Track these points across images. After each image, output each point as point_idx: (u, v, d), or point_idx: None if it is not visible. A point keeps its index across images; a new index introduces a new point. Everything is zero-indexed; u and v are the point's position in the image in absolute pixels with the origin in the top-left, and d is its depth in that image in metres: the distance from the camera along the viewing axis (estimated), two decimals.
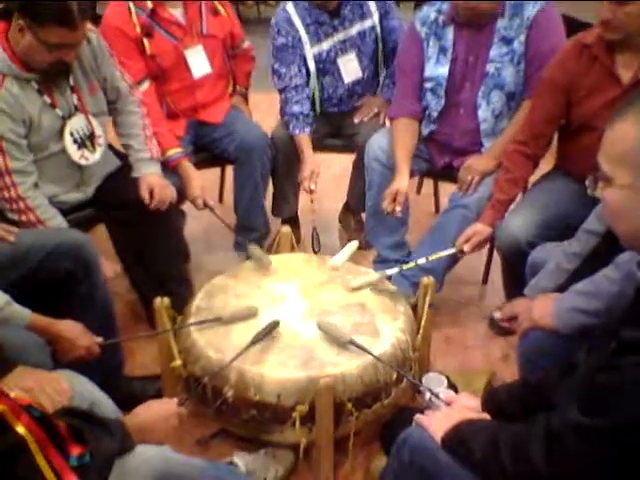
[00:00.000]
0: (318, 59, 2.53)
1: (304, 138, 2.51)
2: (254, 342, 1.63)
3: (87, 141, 1.98)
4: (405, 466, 1.23)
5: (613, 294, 1.42)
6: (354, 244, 2.10)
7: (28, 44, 1.73)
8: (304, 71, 2.53)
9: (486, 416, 1.25)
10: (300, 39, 2.49)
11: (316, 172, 2.43)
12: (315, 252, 2.02)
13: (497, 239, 2.10)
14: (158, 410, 1.31)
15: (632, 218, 1.00)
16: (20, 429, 0.92)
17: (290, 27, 2.48)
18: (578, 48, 1.93)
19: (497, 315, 1.81)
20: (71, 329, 1.50)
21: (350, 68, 2.56)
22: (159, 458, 1.15)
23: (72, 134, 1.94)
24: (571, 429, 1.00)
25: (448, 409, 1.28)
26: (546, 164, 2.20)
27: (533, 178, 2.21)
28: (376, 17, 2.50)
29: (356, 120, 2.63)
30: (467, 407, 1.33)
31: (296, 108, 2.51)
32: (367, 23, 2.50)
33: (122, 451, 1.11)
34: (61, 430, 0.98)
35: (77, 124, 1.95)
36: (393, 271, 2.05)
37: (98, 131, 2.02)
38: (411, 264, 2.12)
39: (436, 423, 1.22)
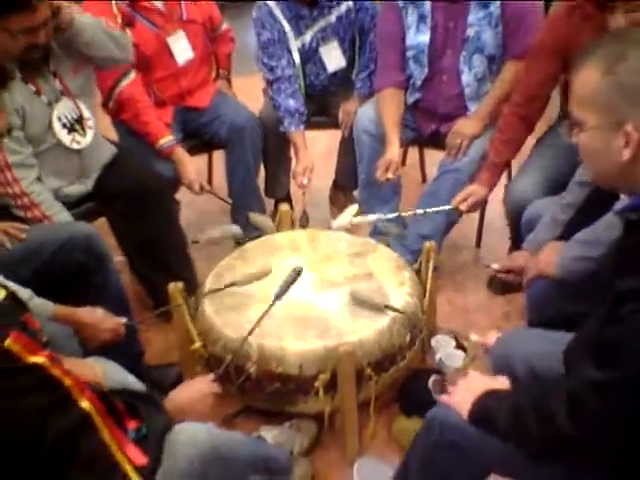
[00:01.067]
0: (302, 50, 2.53)
1: (299, 135, 2.51)
2: (282, 293, 1.64)
3: (76, 125, 1.97)
4: (436, 444, 1.24)
5: (614, 239, 1.47)
6: (354, 207, 2.12)
7: None
8: (292, 62, 2.53)
9: (504, 381, 1.26)
10: (285, 32, 2.49)
11: (309, 168, 2.45)
12: (302, 227, 2.07)
13: (505, 202, 2.14)
14: (194, 390, 1.34)
15: (604, 157, 1.06)
16: (85, 404, 0.94)
17: (274, 21, 2.47)
18: (568, 9, 1.94)
19: (495, 266, 1.86)
20: (93, 315, 1.52)
21: (333, 57, 2.56)
22: (204, 433, 1.17)
23: (60, 119, 1.92)
24: (588, 386, 1.01)
25: (466, 383, 1.27)
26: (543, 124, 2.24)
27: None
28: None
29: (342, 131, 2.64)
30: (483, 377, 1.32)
31: (291, 103, 2.50)
32: (343, 7, 2.49)
33: (167, 426, 1.13)
34: (118, 405, 1.01)
35: (64, 108, 1.93)
36: (390, 216, 2.14)
37: (86, 114, 2.00)
38: (409, 212, 2.19)
39: (459, 399, 1.23)
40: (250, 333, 1.56)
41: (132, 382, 1.34)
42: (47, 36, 1.78)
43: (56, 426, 0.92)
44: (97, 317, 1.52)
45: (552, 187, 1.99)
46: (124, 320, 1.59)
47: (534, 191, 2.02)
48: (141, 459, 1.00)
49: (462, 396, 1.23)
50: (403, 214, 2.17)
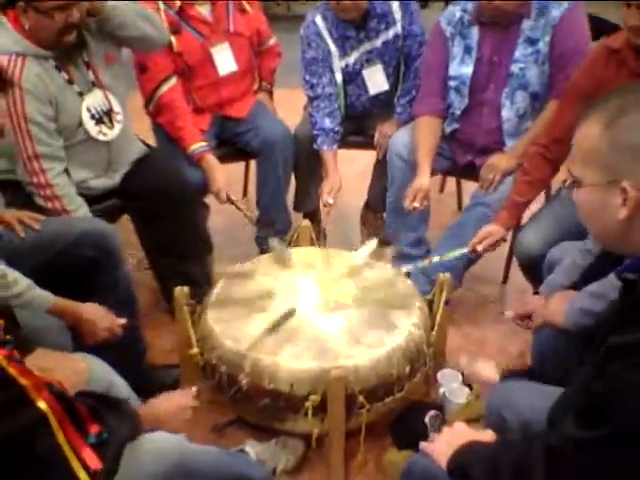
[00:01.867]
0: (345, 70, 2.54)
1: (330, 154, 2.53)
2: (270, 331, 1.66)
3: (105, 117, 2.01)
4: None
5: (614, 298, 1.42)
6: (374, 242, 2.11)
7: (34, 20, 1.78)
8: (334, 81, 2.54)
9: (488, 434, 1.24)
10: (330, 52, 2.50)
11: (336, 188, 2.46)
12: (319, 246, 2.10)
13: (515, 252, 2.10)
14: (174, 402, 1.34)
15: (600, 216, 1.02)
16: (41, 404, 0.96)
17: (320, 40, 2.49)
18: (605, 53, 1.90)
19: (508, 313, 1.82)
20: (93, 311, 1.54)
21: (376, 80, 2.56)
22: (174, 445, 1.18)
23: (89, 109, 1.96)
24: (570, 443, 0.98)
25: (449, 432, 1.25)
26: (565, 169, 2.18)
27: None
28: (399, 25, 2.48)
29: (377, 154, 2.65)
30: (467, 428, 1.29)
31: (327, 122, 2.52)
32: (391, 32, 2.49)
33: (132, 434, 1.15)
34: (80, 408, 1.02)
35: (94, 100, 1.98)
36: (407, 267, 2.08)
37: (116, 107, 2.04)
38: (424, 262, 2.15)
39: (439, 449, 1.20)
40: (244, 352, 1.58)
41: (117, 382, 1.37)
42: (80, 16, 1.82)
43: (10, 424, 0.93)
44: (97, 314, 1.54)
45: (565, 238, 1.93)
46: (123, 321, 1.62)
47: (546, 246, 1.94)
48: (96, 463, 1.01)
49: (443, 446, 1.20)
50: (419, 265, 2.14)
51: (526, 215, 2.19)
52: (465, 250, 2.12)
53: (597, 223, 1.05)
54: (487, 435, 1.23)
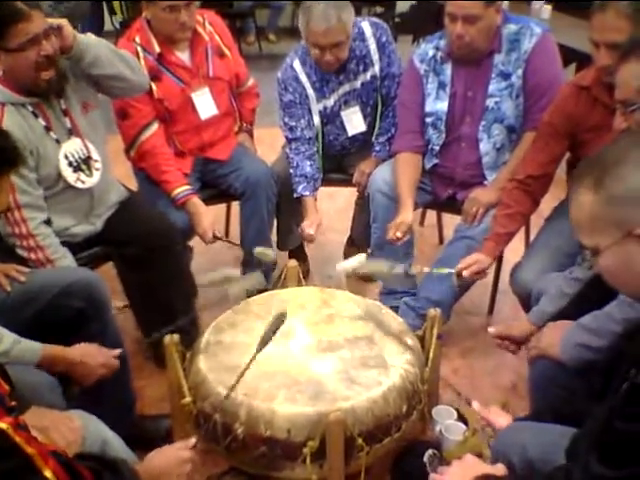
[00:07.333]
0: (323, 113, 2.56)
1: (311, 199, 2.54)
2: (266, 341, 1.64)
3: (83, 164, 1.98)
4: None
5: (615, 333, 1.43)
6: (363, 255, 2.11)
7: (7, 62, 1.76)
8: (312, 123, 2.56)
9: (500, 468, 1.23)
10: (307, 95, 2.52)
11: (316, 223, 2.47)
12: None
13: (512, 285, 2.10)
14: (172, 456, 1.31)
15: (628, 271, 1.04)
16: (48, 473, 0.93)
17: (297, 84, 2.51)
18: (576, 91, 1.94)
19: (491, 330, 1.83)
20: (84, 351, 1.52)
21: (354, 121, 2.59)
22: None
23: (67, 157, 1.94)
24: None
25: (461, 464, 1.25)
26: (550, 196, 2.21)
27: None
28: (377, 67, 2.50)
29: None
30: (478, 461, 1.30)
31: (307, 167, 2.53)
32: (369, 73, 2.51)
33: None
34: (85, 474, 0.99)
35: (72, 147, 1.95)
36: (399, 268, 2.08)
37: (95, 155, 2.02)
38: (417, 270, 2.15)
39: None
40: (234, 387, 1.55)
41: (111, 438, 1.32)
42: (53, 48, 1.79)
43: None
44: (90, 353, 1.52)
45: (559, 269, 1.94)
46: (117, 352, 1.58)
47: (541, 275, 1.96)
48: None
49: (455, 479, 1.20)
50: (410, 272, 2.14)
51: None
52: (452, 271, 2.12)
53: (627, 280, 1.07)
54: (499, 469, 1.22)
